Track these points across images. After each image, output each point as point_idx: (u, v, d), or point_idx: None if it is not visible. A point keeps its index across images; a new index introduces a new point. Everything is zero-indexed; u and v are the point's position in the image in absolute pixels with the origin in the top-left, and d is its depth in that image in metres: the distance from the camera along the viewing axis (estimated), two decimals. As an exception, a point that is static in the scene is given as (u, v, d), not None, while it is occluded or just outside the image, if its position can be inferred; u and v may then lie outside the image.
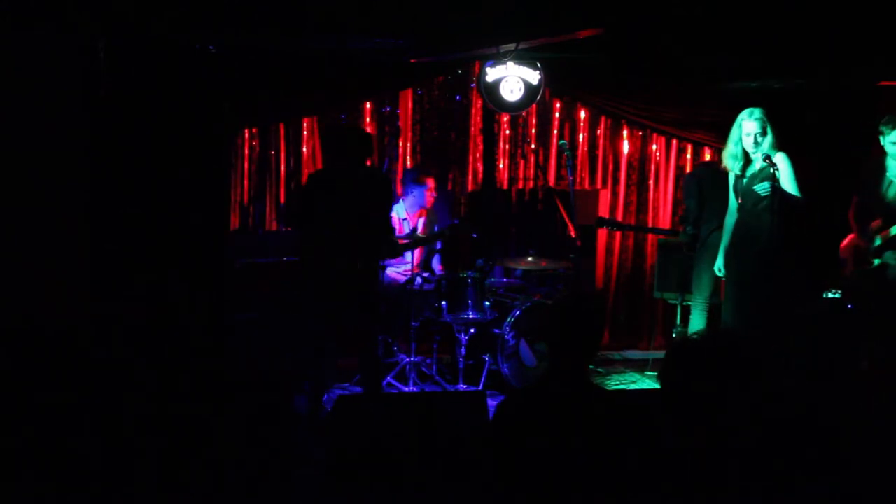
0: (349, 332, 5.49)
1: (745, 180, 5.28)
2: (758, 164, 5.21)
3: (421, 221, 6.44)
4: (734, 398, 2.41)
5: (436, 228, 6.47)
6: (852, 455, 2.84)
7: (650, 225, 7.46)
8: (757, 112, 5.22)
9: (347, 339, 5.65)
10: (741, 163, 5.28)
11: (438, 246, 6.69)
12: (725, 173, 5.42)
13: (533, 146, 7.18)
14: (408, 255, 6.34)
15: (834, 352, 5.68)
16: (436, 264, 6.64)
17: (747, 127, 5.20)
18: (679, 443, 2.48)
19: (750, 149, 5.21)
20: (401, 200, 6.43)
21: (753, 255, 5.23)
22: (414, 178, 6.41)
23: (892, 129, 5.38)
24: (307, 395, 5.42)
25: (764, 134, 5.17)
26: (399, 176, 6.81)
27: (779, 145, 5.22)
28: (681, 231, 6.69)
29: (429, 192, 6.37)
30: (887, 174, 5.43)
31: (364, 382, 5.40)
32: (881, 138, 5.40)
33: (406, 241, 5.97)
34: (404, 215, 6.35)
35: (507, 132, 7.21)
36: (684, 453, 2.57)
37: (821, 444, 2.90)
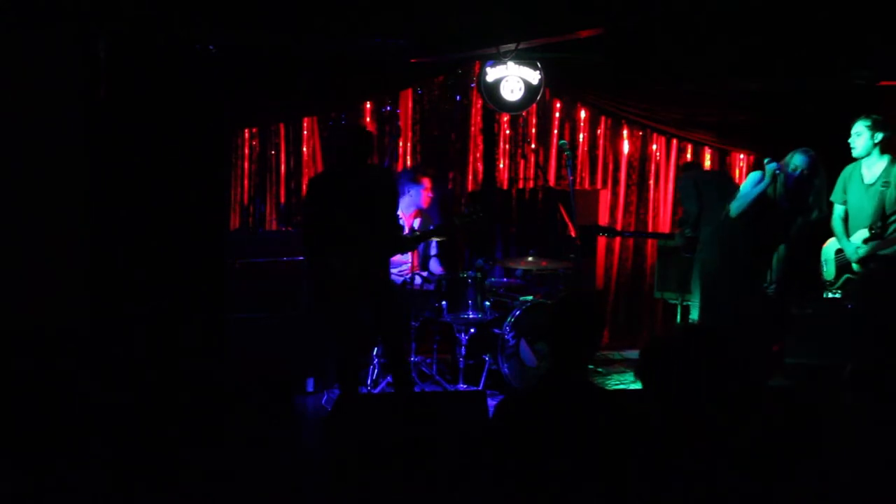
0: (364, 332, 5.49)
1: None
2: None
3: (417, 222, 6.43)
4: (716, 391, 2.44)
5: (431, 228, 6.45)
6: (846, 454, 2.85)
7: (650, 225, 7.46)
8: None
9: (363, 340, 5.65)
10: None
11: (435, 251, 6.68)
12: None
13: (533, 146, 7.19)
14: (406, 255, 6.34)
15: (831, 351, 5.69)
16: (434, 267, 6.63)
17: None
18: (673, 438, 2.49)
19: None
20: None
21: (768, 260, 5.21)
22: (410, 178, 6.40)
23: (853, 123, 5.42)
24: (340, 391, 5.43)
25: None
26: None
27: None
28: (677, 234, 6.67)
29: (425, 191, 6.35)
30: (864, 181, 5.41)
31: (395, 383, 5.35)
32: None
33: (415, 237, 5.94)
34: (399, 215, 6.33)
35: (508, 132, 7.21)
36: (683, 453, 2.58)
37: (816, 444, 2.90)
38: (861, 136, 5.36)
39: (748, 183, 5.25)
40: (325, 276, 5.01)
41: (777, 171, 5.02)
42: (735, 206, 5.18)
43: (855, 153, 5.42)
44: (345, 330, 5.09)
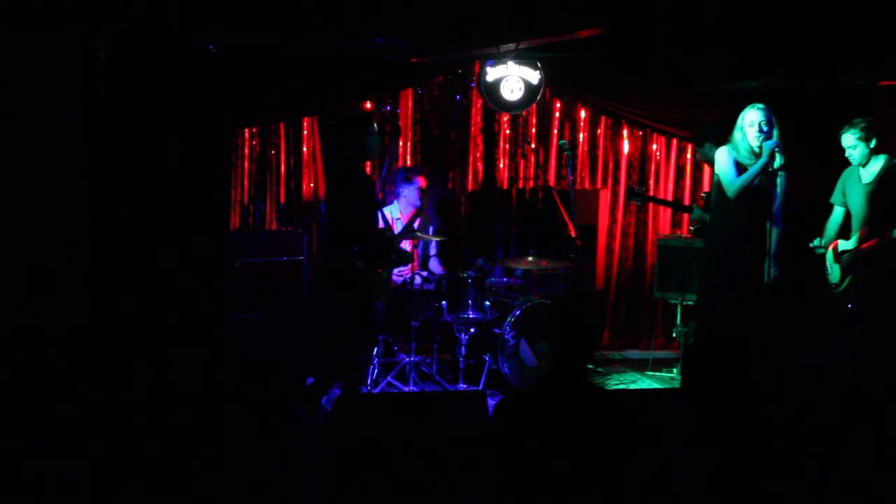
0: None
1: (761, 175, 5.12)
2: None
3: (416, 222, 6.40)
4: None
5: (430, 230, 6.44)
6: (851, 456, 2.85)
7: (650, 225, 7.45)
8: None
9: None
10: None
11: (434, 251, 6.67)
12: None
13: (533, 146, 7.18)
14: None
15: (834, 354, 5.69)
16: (434, 266, 6.62)
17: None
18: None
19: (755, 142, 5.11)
20: (395, 201, 6.42)
21: (762, 256, 5.18)
22: (404, 177, 6.38)
23: (842, 136, 5.40)
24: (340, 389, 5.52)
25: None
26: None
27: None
28: (695, 206, 6.54)
29: (419, 190, 6.33)
30: (862, 181, 5.42)
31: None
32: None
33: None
34: (398, 215, 6.32)
35: (508, 132, 7.21)
36: (684, 452, 2.58)
37: (820, 445, 2.90)
38: (857, 148, 5.36)
39: (725, 160, 5.17)
40: (357, 271, 5.12)
41: (776, 148, 5.01)
42: (734, 188, 5.10)
43: (855, 161, 5.42)
44: (359, 327, 5.20)
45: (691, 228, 6.37)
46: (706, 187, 7.42)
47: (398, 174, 6.46)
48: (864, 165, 5.40)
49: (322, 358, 5.75)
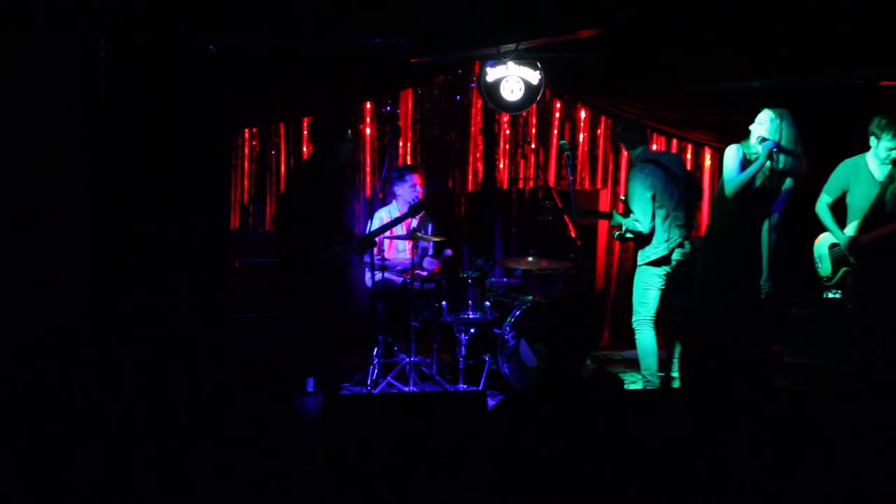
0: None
1: (765, 178, 5.12)
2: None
3: (415, 221, 6.39)
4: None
5: (430, 228, 6.42)
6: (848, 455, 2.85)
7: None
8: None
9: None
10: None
11: (431, 251, 6.66)
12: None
13: (533, 146, 7.19)
14: (405, 254, 6.33)
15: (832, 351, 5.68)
16: (427, 264, 6.61)
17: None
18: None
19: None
20: (394, 200, 6.41)
21: (760, 258, 5.18)
22: (398, 175, 6.35)
23: (887, 133, 5.32)
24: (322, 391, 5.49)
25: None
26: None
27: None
28: (614, 213, 6.18)
29: (413, 187, 6.31)
30: (875, 178, 5.39)
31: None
32: (872, 139, 5.33)
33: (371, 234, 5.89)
34: (396, 214, 6.31)
35: (508, 132, 7.21)
36: (683, 453, 2.58)
37: (818, 445, 2.90)
38: None
39: (731, 157, 5.17)
40: (330, 272, 5.09)
41: (774, 149, 5.01)
42: (732, 185, 5.08)
43: (887, 160, 5.33)
44: (339, 327, 5.17)
45: (615, 235, 6.10)
46: (707, 187, 7.43)
47: (392, 173, 6.43)
48: (870, 154, 5.34)
49: (321, 358, 5.76)
